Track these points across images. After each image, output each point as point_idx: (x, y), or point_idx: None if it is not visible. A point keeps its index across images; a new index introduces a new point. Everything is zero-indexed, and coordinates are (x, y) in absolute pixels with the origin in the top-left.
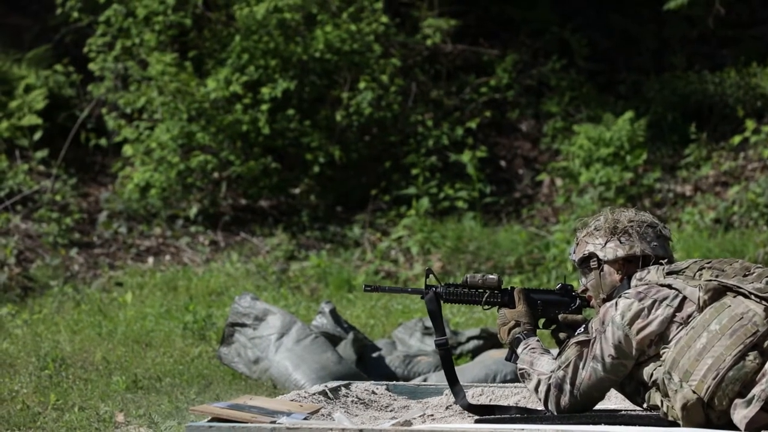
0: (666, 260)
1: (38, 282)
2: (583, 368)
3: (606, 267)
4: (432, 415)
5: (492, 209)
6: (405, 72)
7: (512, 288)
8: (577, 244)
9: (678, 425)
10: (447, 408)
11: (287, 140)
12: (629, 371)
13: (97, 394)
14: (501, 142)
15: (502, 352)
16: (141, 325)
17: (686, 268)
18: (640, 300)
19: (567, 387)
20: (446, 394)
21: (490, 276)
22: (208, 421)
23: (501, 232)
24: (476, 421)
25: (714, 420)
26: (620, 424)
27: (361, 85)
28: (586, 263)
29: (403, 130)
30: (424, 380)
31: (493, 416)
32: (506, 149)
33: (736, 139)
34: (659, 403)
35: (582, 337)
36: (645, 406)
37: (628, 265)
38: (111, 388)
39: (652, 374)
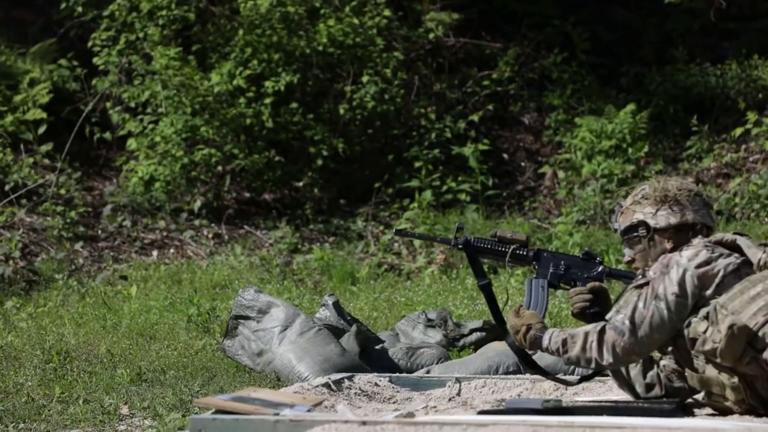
0: (712, 229)
1: (43, 275)
2: (644, 307)
3: (657, 235)
4: (435, 407)
5: (494, 202)
6: (408, 65)
7: (539, 249)
8: (622, 212)
9: (686, 412)
10: (450, 400)
11: (290, 134)
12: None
13: (101, 386)
14: (503, 135)
15: (505, 344)
16: (145, 318)
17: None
18: (708, 249)
19: (627, 327)
20: (448, 386)
21: (520, 233)
22: (212, 414)
23: (503, 224)
24: (479, 413)
25: (744, 363)
26: (626, 415)
27: (364, 78)
28: (633, 231)
29: (405, 123)
30: (427, 372)
31: (496, 408)
32: (509, 142)
33: (738, 131)
34: (702, 330)
35: (641, 281)
36: (646, 381)
37: (679, 234)
38: (115, 380)
39: (690, 322)
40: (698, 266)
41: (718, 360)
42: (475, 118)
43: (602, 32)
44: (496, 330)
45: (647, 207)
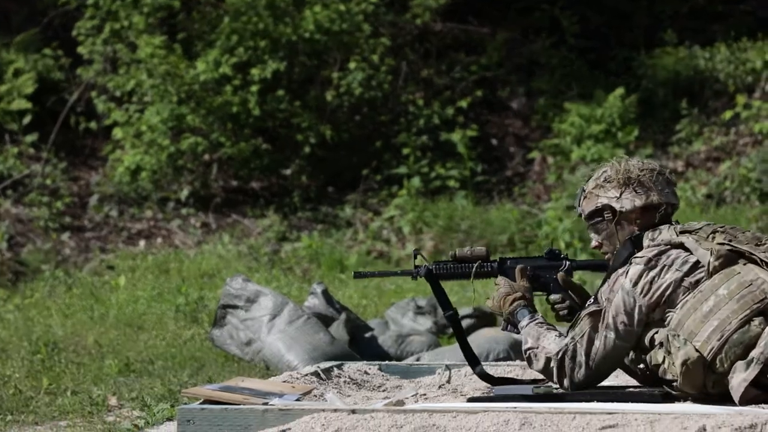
0: (676, 206)
1: (29, 266)
2: (597, 339)
3: (623, 219)
4: (425, 395)
5: (484, 188)
6: (395, 51)
7: (501, 258)
8: (585, 197)
9: (676, 398)
10: (440, 387)
11: (278, 121)
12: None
13: (89, 377)
14: (492, 121)
15: (495, 331)
16: (133, 309)
17: (699, 229)
18: (650, 268)
19: (582, 359)
20: (438, 373)
21: (478, 248)
22: (201, 404)
23: (493, 210)
24: (469, 400)
25: (709, 386)
26: (616, 401)
27: (351, 65)
28: (598, 216)
29: (393, 109)
30: (417, 360)
31: (486, 395)
32: (497, 127)
33: (727, 115)
34: (661, 361)
35: (593, 308)
36: (641, 367)
37: (645, 215)
38: (103, 371)
39: (653, 338)
40: (642, 292)
41: (683, 389)
42: (463, 103)
43: (591, 16)
44: (486, 317)
45: (611, 190)
